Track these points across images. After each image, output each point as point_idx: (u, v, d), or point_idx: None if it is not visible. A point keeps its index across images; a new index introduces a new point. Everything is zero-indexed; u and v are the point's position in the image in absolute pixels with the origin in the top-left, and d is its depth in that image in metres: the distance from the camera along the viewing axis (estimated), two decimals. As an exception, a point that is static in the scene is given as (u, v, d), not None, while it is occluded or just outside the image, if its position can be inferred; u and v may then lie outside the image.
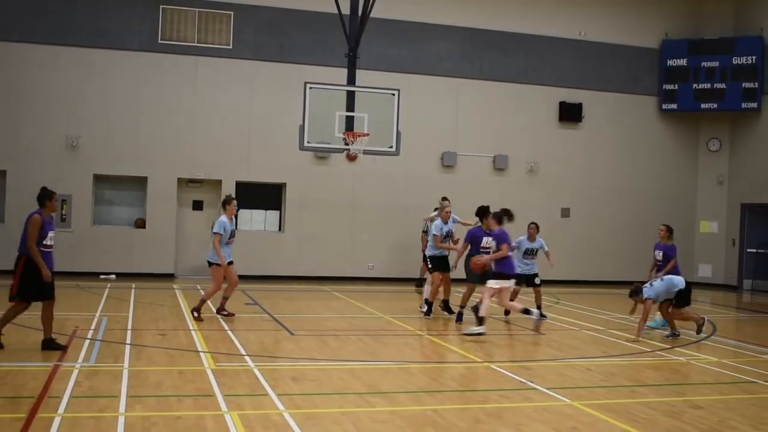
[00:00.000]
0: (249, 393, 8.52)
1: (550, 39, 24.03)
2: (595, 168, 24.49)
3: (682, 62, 24.62)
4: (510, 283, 13.46)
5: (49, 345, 10.47)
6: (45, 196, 10.92)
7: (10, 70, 20.38)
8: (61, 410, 7.56)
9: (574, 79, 24.28)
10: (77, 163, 20.70)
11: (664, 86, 24.89)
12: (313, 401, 8.35)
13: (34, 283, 10.45)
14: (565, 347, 12.36)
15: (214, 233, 13.63)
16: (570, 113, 24.13)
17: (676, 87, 24.73)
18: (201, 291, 18.32)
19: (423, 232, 20.44)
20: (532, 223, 16.09)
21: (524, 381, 9.59)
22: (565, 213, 24.18)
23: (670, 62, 24.78)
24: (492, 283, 13.23)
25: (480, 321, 12.95)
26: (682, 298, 13.44)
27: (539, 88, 23.94)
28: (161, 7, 21.17)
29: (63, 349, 10.37)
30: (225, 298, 14.07)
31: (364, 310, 15.88)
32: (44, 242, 10.54)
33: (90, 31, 20.84)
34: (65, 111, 20.68)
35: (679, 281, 13.36)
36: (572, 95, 24.22)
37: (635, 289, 13.40)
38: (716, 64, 24.21)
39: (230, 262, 13.77)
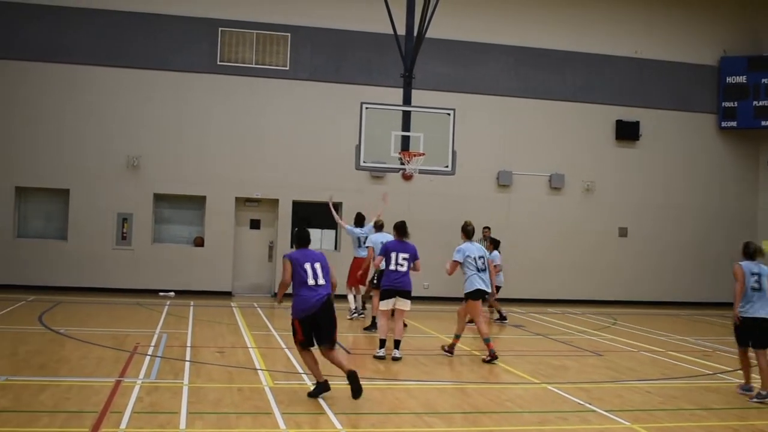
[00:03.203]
0: (307, 411, 8.58)
1: (605, 57, 23.88)
2: (653, 187, 24.19)
3: (742, 79, 24.26)
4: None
5: None
6: None
7: (74, 92, 20.89)
8: (123, 425, 7.70)
9: (631, 97, 24.06)
10: (138, 183, 21.09)
11: (723, 103, 24.53)
12: (370, 420, 8.37)
13: None
14: (623, 369, 12.21)
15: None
16: (627, 131, 23.90)
17: (736, 104, 24.36)
18: (258, 309, 18.51)
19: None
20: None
21: (583, 403, 9.50)
22: (623, 232, 23.92)
23: (728, 79, 24.43)
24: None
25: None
26: None
27: (595, 106, 23.77)
28: (220, 29, 21.54)
29: None
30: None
31: (419, 329, 15.88)
32: None
33: (151, 54, 21.29)
34: (126, 131, 21.11)
35: None
36: (629, 113, 24.00)
37: None
38: (776, 80, 23.84)
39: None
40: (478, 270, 12.68)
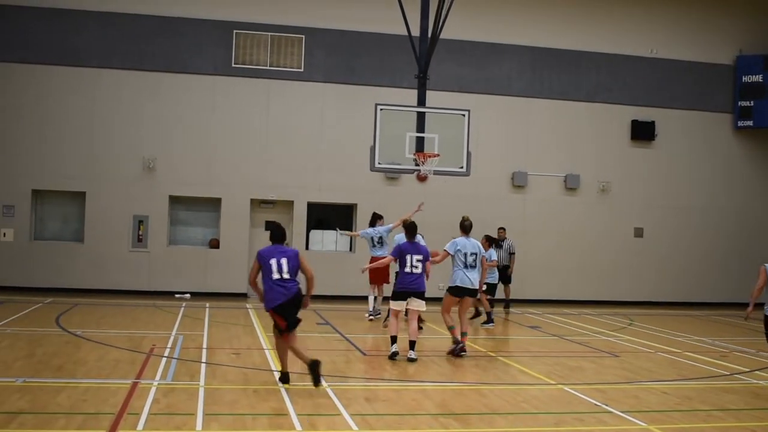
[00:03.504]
0: (322, 413, 8.59)
1: (620, 57, 23.79)
2: (668, 187, 24.09)
3: (758, 78, 24.11)
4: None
5: None
6: None
7: (88, 95, 21.00)
8: (140, 426, 7.74)
9: (646, 97, 23.96)
10: (153, 185, 21.18)
11: (739, 103, 24.40)
12: (386, 421, 8.38)
13: None
14: (639, 370, 12.17)
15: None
16: (642, 132, 23.80)
17: (752, 103, 24.22)
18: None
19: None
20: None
21: (599, 404, 9.47)
22: (638, 233, 23.83)
23: (744, 78, 24.30)
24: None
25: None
26: None
27: (610, 106, 23.69)
28: (234, 31, 21.61)
29: None
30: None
31: (434, 330, 15.86)
32: None
33: (166, 56, 21.38)
34: (142, 134, 21.21)
35: None
36: (644, 113, 23.91)
37: None
38: (793, 79, 23.71)
39: None
40: (466, 266, 12.83)
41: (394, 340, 12.40)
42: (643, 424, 8.55)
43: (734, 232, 24.38)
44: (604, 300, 23.11)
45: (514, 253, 20.42)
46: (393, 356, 12.21)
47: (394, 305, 12.51)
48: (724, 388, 10.94)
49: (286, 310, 9.87)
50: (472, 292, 12.94)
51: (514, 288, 20.64)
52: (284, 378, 10.05)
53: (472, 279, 12.79)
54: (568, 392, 10.21)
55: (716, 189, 24.44)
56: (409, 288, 12.40)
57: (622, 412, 9.09)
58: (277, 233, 10.35)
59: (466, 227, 13.21)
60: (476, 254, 12.90)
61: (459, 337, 12.83)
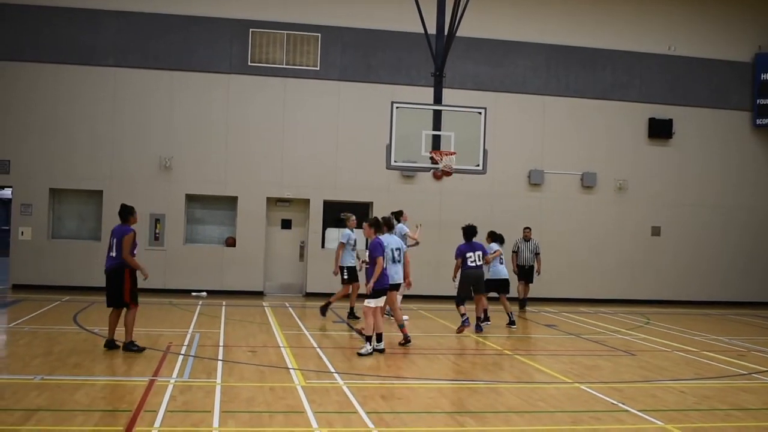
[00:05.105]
0: (338, 410, 8.59)
1: (638, 54, 23.67)
2: (686, 185, 23.95)
3: (777, 75, 24.00)
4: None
5: None
6: None
7: (104, 93, 21.10)
8: (157, 424, 7.76)
9: (664, 95, 23.83)
10: (170, 184, 21.25)
11: (757, 101, 24.22)
12: (402, 419, 8.37)
13: None
14: (656, 368, 12.10)
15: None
16: (660, 129, 23.67)
17: (771, 101, 24.08)
18: (290, 308, 18.63)
19: (513, 252, 20.34)
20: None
21: (616, 403, 9.43)
22: (656, 231, 23.71)
23: (763, 76, 24.12)
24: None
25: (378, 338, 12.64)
26: None
27: (628, 104, 23.58)
28: (251, 30, 21.64)
29: None
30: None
31: (450, 329, 15.84)
32: None
33: (182, 55, 21.45)
34: (158, 132, 21.29)
35: None
36: (662, 111, 23.77)
37: None
38: (813, 77, 23.53)
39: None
40: (394, 261, 13.40)
41: (380, 337, 12.60)
42: (661, 423, 8.51)
43: (753, 231, 24.23)
44: (620, 298, 23.02)
45: (539, 254, 20.32)
46: (380, 351, 12.46)
47: (376, 302, 12.59)
48: (742, 387, 10.87)
49: (106, 282, 11.97)
50: (395, 287, 13.59)
51: (531, 286, 20.57)
52: (109, 344, 11.82)
53: (398, 273, 13.51)
54: (585, 391, 10.17)
55: (734, 187, 24.27)
56: (388, 284, 12.90)
57: (639, 411, 9.04)
58: (121, 213, 12.05)
59: (391, 225, 13.81)
60: (399, 249, 13.54)
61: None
